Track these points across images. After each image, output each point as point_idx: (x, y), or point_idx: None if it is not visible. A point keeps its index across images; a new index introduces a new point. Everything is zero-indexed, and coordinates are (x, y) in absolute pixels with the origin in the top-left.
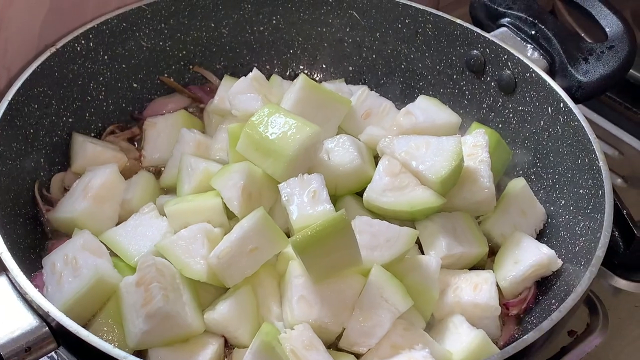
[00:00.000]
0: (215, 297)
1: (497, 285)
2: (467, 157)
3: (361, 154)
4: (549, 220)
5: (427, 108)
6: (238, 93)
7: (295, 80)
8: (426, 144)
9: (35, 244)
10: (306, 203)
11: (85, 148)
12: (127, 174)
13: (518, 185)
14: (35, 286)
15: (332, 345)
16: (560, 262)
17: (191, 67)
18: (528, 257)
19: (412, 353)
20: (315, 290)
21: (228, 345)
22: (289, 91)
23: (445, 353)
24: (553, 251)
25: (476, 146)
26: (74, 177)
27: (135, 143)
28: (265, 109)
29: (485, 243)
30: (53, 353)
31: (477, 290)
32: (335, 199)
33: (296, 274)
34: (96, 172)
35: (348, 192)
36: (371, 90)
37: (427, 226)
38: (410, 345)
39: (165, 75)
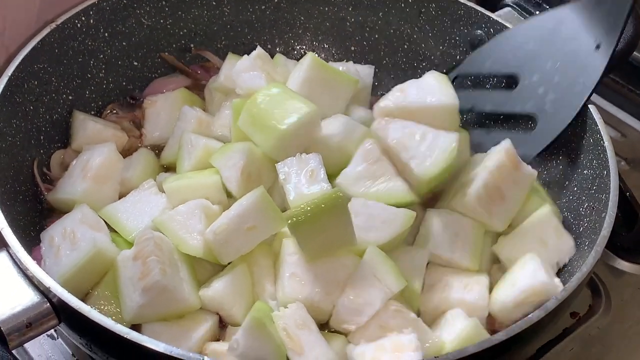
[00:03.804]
0: (212, 275)
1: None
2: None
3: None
4: (553, 201)
5: (425, 87)
6: (242, 71)
7: (302, 59)
8: (422, 134)
9: (35, 221)
10: (303, 182)
11: (85, 126)
12: (127, 152)
13: (542, 212)
14: (33, 259)
15: (324, 326)
16: (561, 287)
17: (192, 46)
18: (523, 281)
19: (398, 336)
20: (308, 268)
21: (222, 323)
22: (296, 69)
23: (436, 340)
24: (550, 278)
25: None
26: (74, 155)
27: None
28: (271, 87)
29: (478, 263)
30: (53, 331)
31: (467, 289)
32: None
33: (289, 252)
34: (94, 151)
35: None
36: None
37: (433, 217)
38: (400, 328)
39: (166, 53)
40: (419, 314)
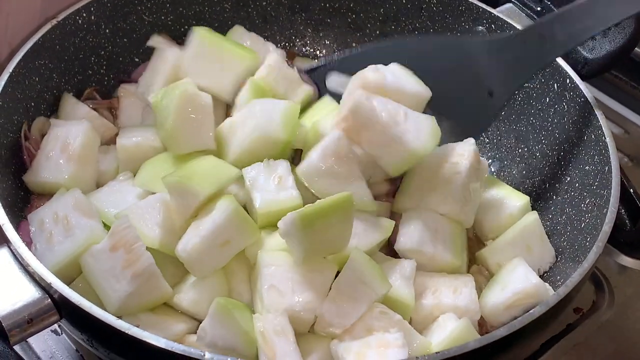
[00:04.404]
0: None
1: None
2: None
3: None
4: (555, 197)
5: (398, 74)
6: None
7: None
8: (404, 113)
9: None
10: (272, 188)
11: (77, 110)
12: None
13: (528, 219)
14: (22, 239)
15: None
16: (550, 290)
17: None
18: (515, 284)
19: (384, 335)
20: (286, 279)
21: None
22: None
23: (423, 342)
24: (542, 281)
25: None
26: None
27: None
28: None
29: (461, 258)
30: (57, 327)
31: (457, 293)
32: None
33: (265, 264)
34: (70, 129)
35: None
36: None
37: (411, 218)
38: (386, 329)
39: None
40: (410, 323)
